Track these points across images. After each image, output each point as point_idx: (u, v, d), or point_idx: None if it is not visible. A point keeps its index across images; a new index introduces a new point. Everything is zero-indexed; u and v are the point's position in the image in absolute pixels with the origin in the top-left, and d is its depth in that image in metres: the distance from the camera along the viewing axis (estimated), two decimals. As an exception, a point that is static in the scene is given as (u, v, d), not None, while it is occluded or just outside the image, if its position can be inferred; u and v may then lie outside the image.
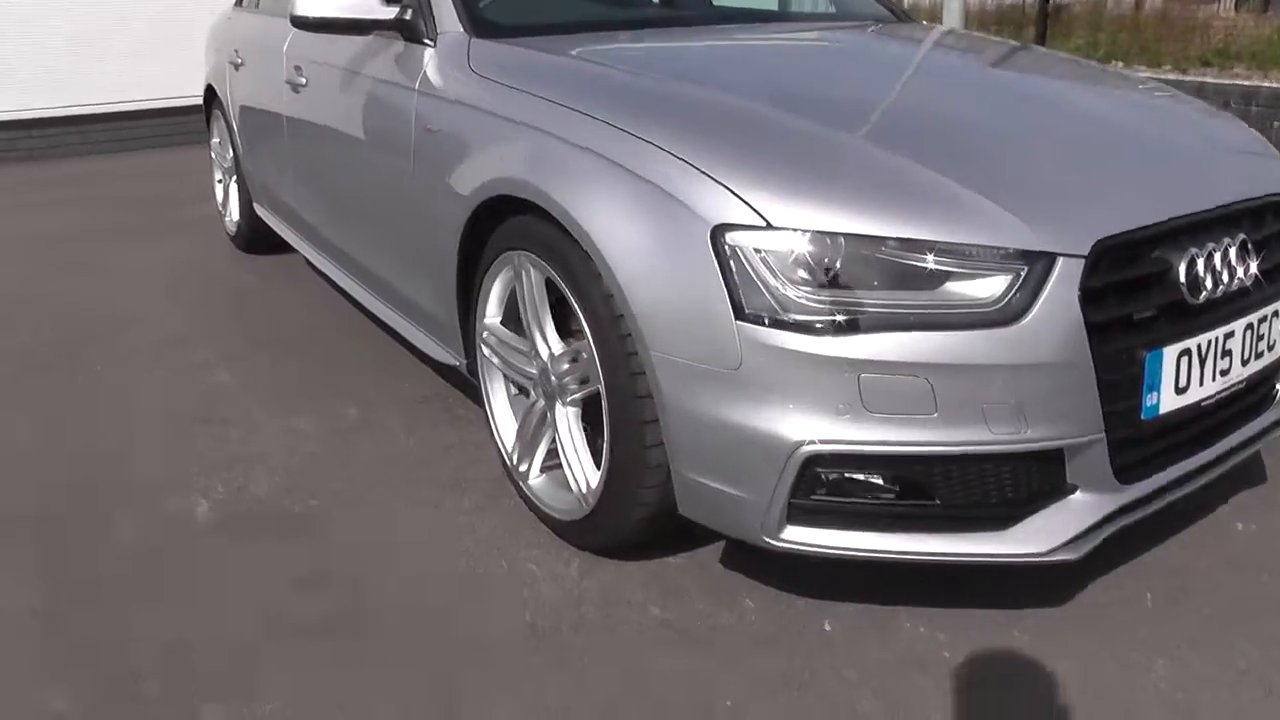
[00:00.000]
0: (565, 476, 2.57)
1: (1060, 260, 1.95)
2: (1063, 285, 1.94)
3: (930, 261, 1.94)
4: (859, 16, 3.78)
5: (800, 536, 2.07)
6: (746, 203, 1.99)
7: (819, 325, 1.94)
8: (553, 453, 2.59)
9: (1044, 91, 2.82)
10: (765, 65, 2.89)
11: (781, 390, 1.98)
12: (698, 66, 2.77)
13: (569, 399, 2.45)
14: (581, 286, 2.24)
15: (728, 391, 2.02)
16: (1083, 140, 2.37)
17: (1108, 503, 2.09)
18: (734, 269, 1.99)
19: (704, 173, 2.05)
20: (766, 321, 1.96)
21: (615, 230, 2.13)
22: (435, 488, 2.85)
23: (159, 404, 3.46)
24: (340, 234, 3.62)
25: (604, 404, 2.26)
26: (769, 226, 1.97)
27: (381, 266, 3.27)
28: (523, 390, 2.77)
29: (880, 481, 2.04)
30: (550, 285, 2.42)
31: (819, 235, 1.95)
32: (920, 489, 2.03)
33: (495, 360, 2.71)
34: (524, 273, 2.45)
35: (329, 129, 3.45)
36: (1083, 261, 1.96)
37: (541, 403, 2.57)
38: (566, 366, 2.43)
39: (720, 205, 2.01)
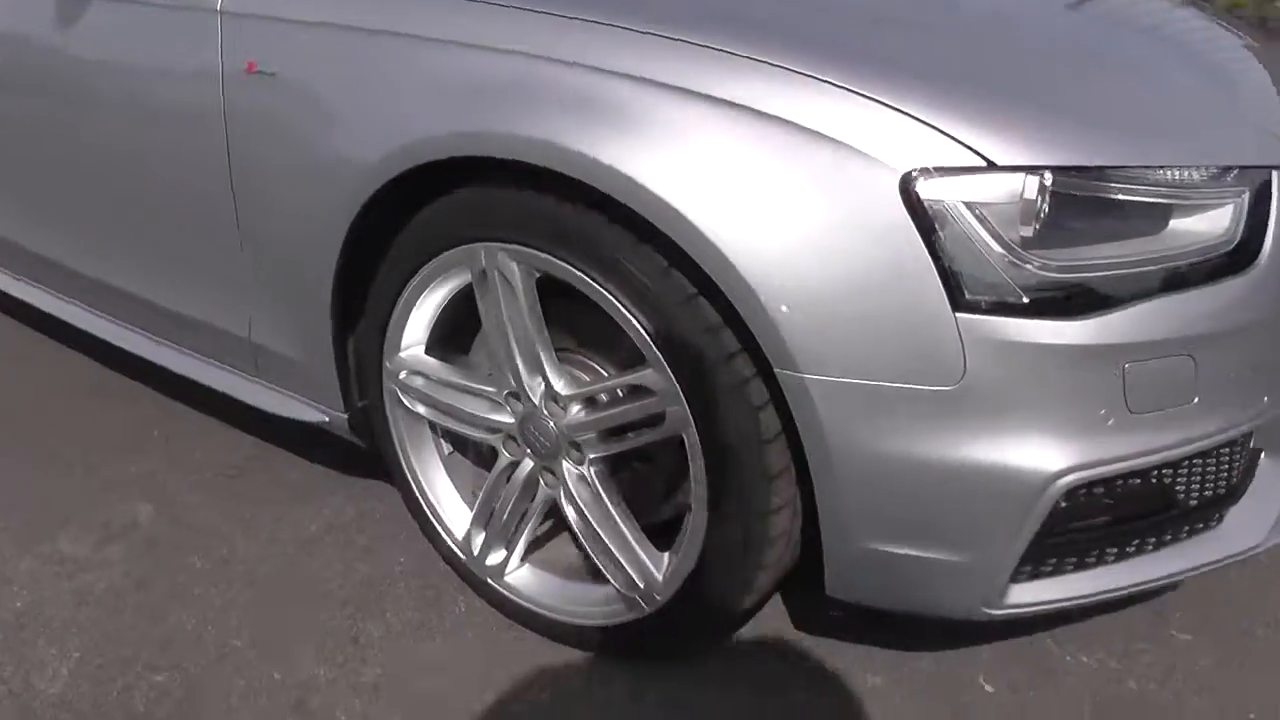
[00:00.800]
0: (570, 563, 1.80)
1: (1275, 175, 1.50)
2: None
3: (1152, 192, 1.39)
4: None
5: (1025, 596, 1.48)
6: (951, 136, 1.31)
7: (1073, 303, 1.34)
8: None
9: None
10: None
11: (1023, 404, 1.35)
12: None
13: (594, 454, 1.66)
14: (639, 290, 1.46)
15: (939, 418, 1.36)
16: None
17: None
18: (944, 236, 1.32)
19: (869, 97, 1.34)
20: (1000, 309, 1.32)
21: (724, 198, 1.36)
22: (330, 608, 1.91)
23: None
24: (82, 253, 2.37)
25: (697, 458, 1.50)
26: (991, 167, 1.31)
27: (164, 293, 2.17)
28: (460, 447, 1.92)
29: (1115, 501, 1.50)
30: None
31: (1052, 174, 1.32)
32: (1158, 499, 1.52)
33: (421, 409, 1.83)
34: (498, 275, 1.60)
35: (42, 94, 2.22)
36: None
37: (528, 465, 1.74)
38: (580, 412, 1.64)
39: (911, 143, 1.31)
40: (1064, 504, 1.40)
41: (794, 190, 1.34)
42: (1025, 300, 1.33)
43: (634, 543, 1.65)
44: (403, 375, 1.80)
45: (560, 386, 1.63)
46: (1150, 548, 1.54)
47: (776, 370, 1.39)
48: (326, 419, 1.99)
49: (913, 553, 1.45)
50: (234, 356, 2.09)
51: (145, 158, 2.02)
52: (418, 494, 1.90)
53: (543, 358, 1.62)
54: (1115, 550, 1.51)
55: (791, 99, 1.35)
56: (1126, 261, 1.37)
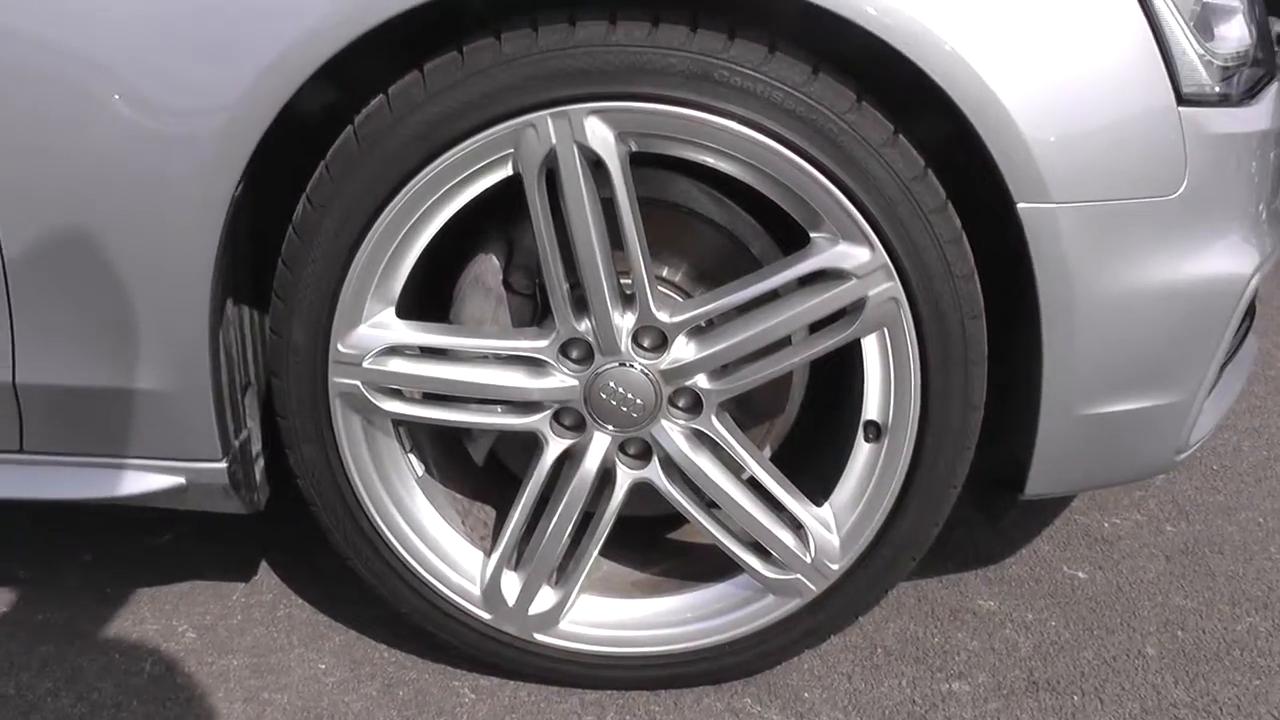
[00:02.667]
0: (633, 579, 1.35)
1: None
2: None
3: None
4: None
5: (1206, 423, 1.36)
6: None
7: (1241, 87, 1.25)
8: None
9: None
10: None
11: (1224, 205, 1.22)
12: None
13: (724, 397, 1.20)
14: (830, 135, 1.07)
15: (1161, 233, 1.17)
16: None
17: None
18: (1163, 24, 1.15)
19: None
20: (1205, 100, 1.18)
21: (969, 11, 1.06)
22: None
23: None
24: None
25: (906, 353, 1.15)
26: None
27: None
28: (429, 465, 1.32)
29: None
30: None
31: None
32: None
33: (396, 406, 1.20)
34: (576, 157, 1.08)
35: None
36: None
37: (599, 446, 1.21)
38: (690, 346, 1.17)
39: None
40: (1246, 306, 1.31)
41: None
42: (1230, 90, 1.21)
43: (792, 502, 1.23)
44: (369, 361, 1.17)
45: (665, 314, 1.16)
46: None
47: (1021, 206, 1.11)
48: (182, 481, 1.24)
49: (1127, 407, 1.24)
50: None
51: None
52: (394, 541, 1.25)
53: (644, 275, 1.14)
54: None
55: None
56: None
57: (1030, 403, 1.21)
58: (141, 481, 1.24)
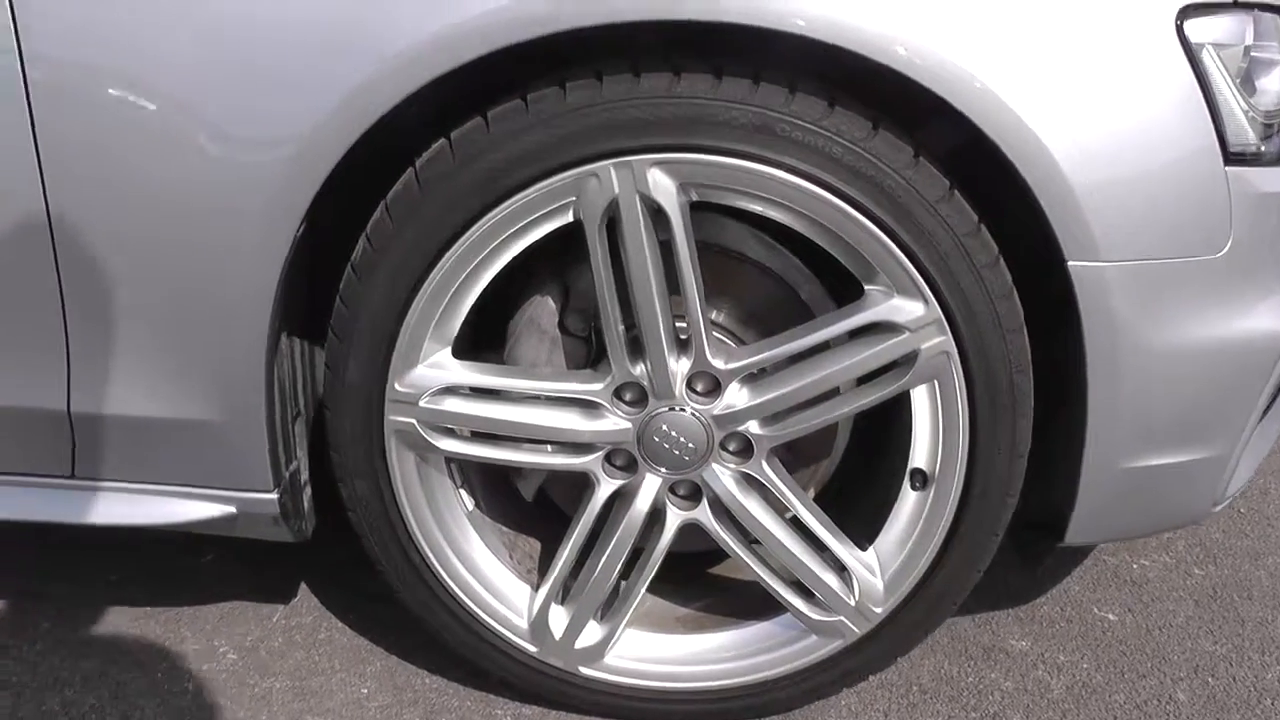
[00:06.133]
0: (674, 614, 1.36)
1: None
2: None
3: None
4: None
5: (1244, 474, 1.37)
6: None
7: (1284, 147, 1.27)
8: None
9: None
10: None
11: (1267, 264, 1.24)
12: None
13: (775, 443, 1.21)
14: (886, 190, 1.09)
15: (1205, 292, 1.19)
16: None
17: None
18: (1211, 82, 1.17)
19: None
20: (1251, 160, 1.19)
21: (1024, 66, 1.06)
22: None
23: None
24: None
25: (956, 404, 1.17)
26: (1234, 4, 1.19)
27: None
28: (478, 500, 1.34)
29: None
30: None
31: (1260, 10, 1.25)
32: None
33: (450, 445, 1.21)
34: (639, 207, 1.10)
35: None
36: None
37: (649, 487, 1.23)
38: (743, 391, 1.19)
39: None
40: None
41: (1081, 50, 1.10)
42: (1261, 147, 1.23)
43: (838, 546, 1.25)
44: (425, 400, 1.19)
45: (720, 361, 1.18)
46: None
47: (1071, 264, 1.12)
48: (233, 511, 1.26)
49: (1168, 461, 1.26)
50: (28, 455, 1.24)
51: None
52: (444, 574, 1.27)
53: (700, 321, 1.16)
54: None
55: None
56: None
57: (1073, 454, 1.23)
58: (192, 510, 1.26)
